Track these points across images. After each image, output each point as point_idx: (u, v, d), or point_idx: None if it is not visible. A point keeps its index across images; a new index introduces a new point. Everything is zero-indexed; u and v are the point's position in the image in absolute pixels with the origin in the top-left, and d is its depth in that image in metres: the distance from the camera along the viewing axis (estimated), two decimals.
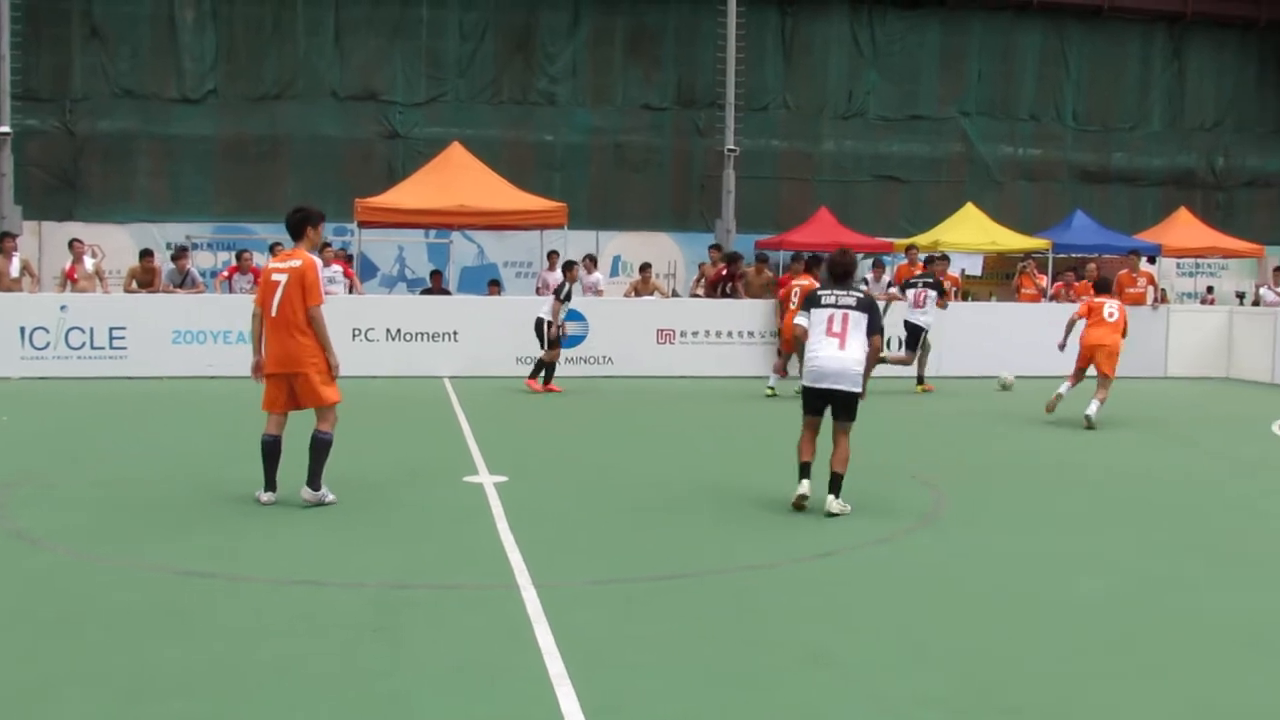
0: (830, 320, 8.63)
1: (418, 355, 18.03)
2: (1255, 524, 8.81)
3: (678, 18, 30.29)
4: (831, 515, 8.40)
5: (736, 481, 9.93)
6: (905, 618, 6.14)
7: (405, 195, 21.38)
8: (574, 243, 25.03)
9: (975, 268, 28.84)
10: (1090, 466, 11.16)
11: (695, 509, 8.83)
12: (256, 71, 28.05)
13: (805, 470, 8.66)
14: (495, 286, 22.23)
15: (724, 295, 19.71)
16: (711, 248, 21.02)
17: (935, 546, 7.75)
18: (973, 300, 23.83)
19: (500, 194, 21.57)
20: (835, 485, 8.54)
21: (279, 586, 6.53)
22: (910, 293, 17.51)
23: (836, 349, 8.59)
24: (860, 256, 23.16)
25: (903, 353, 17.43)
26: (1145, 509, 9.24)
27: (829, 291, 8.82)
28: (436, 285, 21.46)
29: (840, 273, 8.99)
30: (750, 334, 18.95)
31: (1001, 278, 26.98)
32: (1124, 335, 13.92)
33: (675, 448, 12.00)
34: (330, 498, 8.54)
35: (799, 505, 8.58)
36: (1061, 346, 14.52)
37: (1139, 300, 19.81)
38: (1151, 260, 26.99)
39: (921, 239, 26.40)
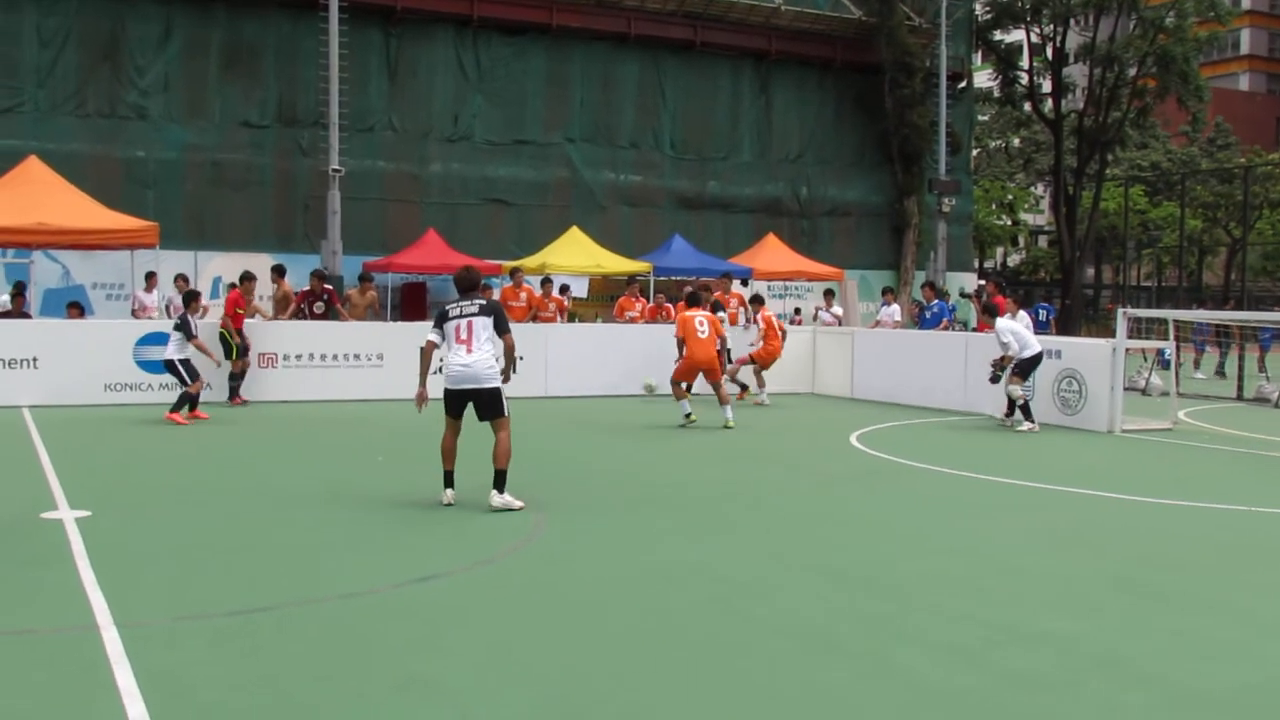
0: (458, 329, 9.48)
1: None
2: (841, 531, 9.38)
3: (278, 34, 29.44)
4: (494, 510, 9.19)
5: (343, 506, 9.64)
6: (505, 639, 6.08)
7: None
8: (169, 263, 23.84)
9: (581, 290, 29.54)
10: (687, 482, 11.57)
11: (294, 537, 8.49)
12: None
13: (448, 479, 9.64)
14: (76, 309, 20.63)
15: (311, 316, 19.21)
16: (314, 273, 20.44)
17: (537, 565, 7.77)
18: (579, 322, 24.36)
19: (84, 211, 20.10)
20: (499, 481, 9.40)
21: None
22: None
23: (465, 354, 9.45)
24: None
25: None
26: (731, 520, 9.65)
27: (455, 304, 9.65)
28: (17, 308, 19.76)
29: (465, 286, 9.81)
30: (355, 356, 18.48)
31: (606, 299, 27.75)
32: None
33: (276, 474, 11.53)
34: None
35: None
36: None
37: (731, 320, 20.85)
38: (744, 282, 28.52)
39: (529, 261, 26.81)
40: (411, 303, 29.23)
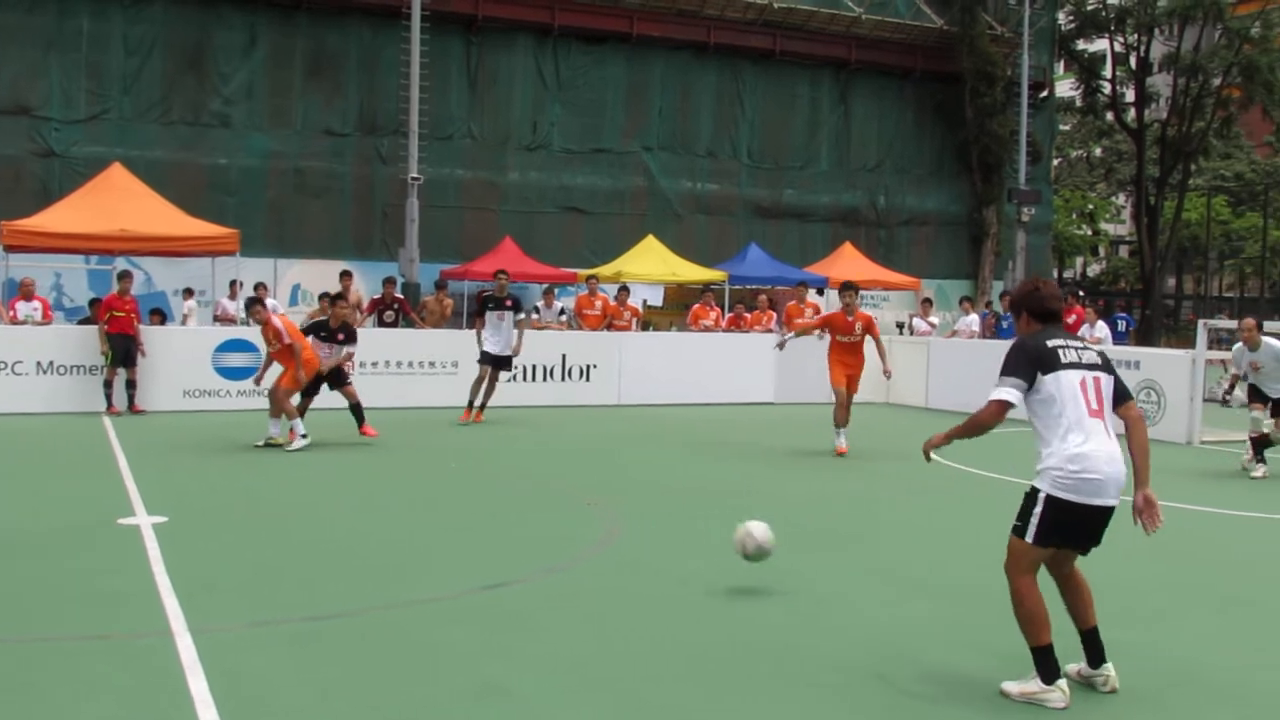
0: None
1: (71, 390, 16.64)
2: (911, 539, 9.26)
3: (359, 43, 29.81)
4: None
5: (404, 515, 9.70)
6: (578, 647, 6.08)
7: (59, 218, 19.83)
8: (250, 270, 24.17)
9: (656, 298, 29.54)
10: (766, 493, 11.48)
11: (368, 544, 8.56)
12: None
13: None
14: (159, 315, 21.00)
15: (382, 324, 19.40)
16: (386, 280, 20.63)
17: (610, 572, 7.76)
18: (654, 330, 24.33)
19: (165, 218, 20.38)
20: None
21: None
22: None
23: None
24: (547, 286, 23.29)
25: None
26: (808, 531, 9.56)
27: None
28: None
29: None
30: (431, 364, 18.57)
31: (681, 308, 27.71)
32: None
33: (350, 481, 11.63)
34: None
35: None
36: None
37: (807, 330, 20.67)
38: (820, 292, 28.34)
39: (604, 269, 26.85)
40: None
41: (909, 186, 37.47)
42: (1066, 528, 5.28)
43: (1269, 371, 13.31)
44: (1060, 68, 50.40)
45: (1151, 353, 18.34)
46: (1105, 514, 5.28)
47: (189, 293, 24.58)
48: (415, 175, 26.31)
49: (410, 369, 18.36)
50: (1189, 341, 16.79)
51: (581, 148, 32.38)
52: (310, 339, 13.97)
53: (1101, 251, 68.86)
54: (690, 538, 8.98)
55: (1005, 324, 21.94)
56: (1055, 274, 50.54)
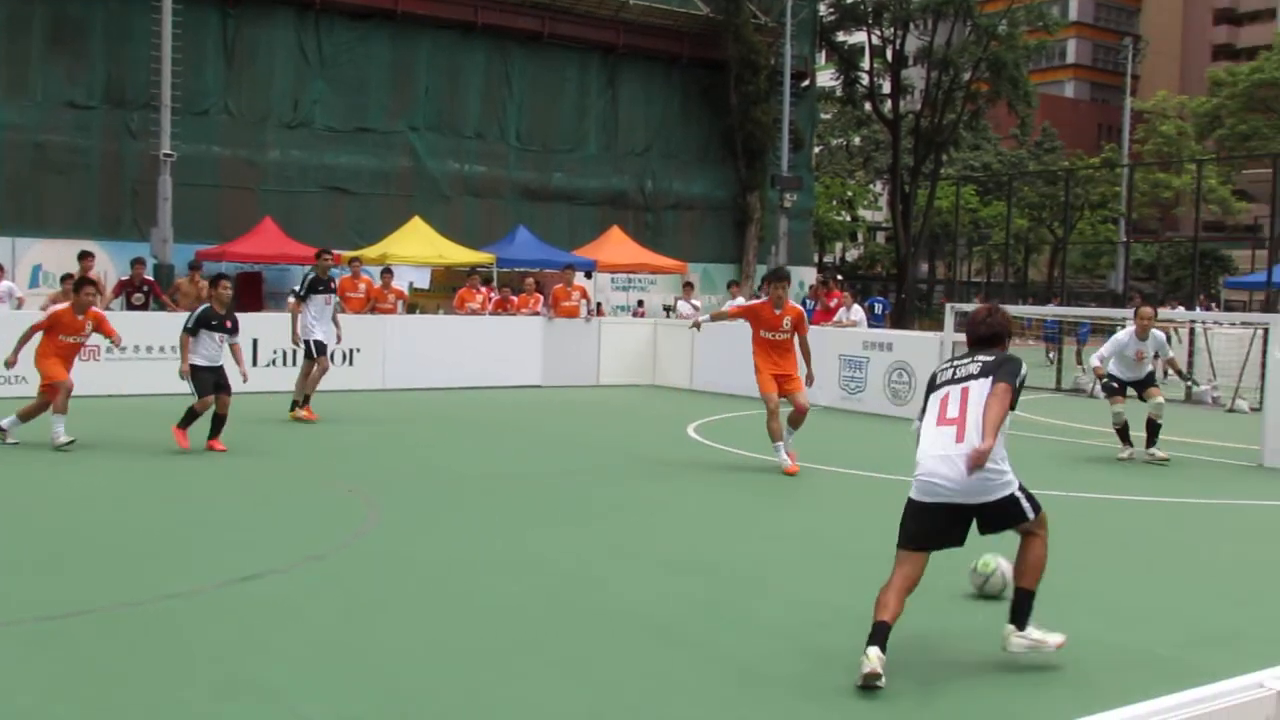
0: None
1: None
2: (673, 520, 9.39)
3: (106, 10, 28.29)
4: None
5: (158, 508, 9.31)
6: (335, 636, 5.94)
7: None
8: None
9: (423, 281, 29.15)
10: (521, 474, 11.47)
11: (108, 538, 8.16)
12: None
13: None
14: None
15: (130, 307, 18.62)
16: (135, 261, 19.70)
17: (369, 560, 7.61)
18: (420, 313, 23.99)
19: None
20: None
21: None
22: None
23: None
24: (308, 270, 22.65)
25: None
26: (568, 510, 9.60)
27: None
28: None
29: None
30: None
31: (449, 291, 27.45)
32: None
33: (94, 474, 11.07)
34: None
35: None
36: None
37: (573, 313, 20.77)
38: (588, 275, 28.53)
39: (369, 252, 26.35)
40: (247, 293, 28.42)
41: (676, 171, 37.99)
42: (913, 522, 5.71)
43: (1144, 360, 13.56)
44: (822, 58, 51.99)
45: (904, 335, 19.12)
46: (944, 511, 5.61)
47: None
48: (168, 152, 25.14)
49: (162, 354, 17.54)
50: (940, 324, 17.56)
51: (345, 127, 31.60)
52: (203, 333, 12.28)
53: (860, 237, 71.49)
54: (451, 523, 8.90)
55: None
56: (816, 258, 52.10)
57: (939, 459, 5.57)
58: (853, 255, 72.67)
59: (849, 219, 65.81)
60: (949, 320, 17.09)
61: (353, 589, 6.87)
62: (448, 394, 18.62)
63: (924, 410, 5.85)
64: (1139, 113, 62.89)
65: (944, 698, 5.28)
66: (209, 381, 12.11)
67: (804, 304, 18.89)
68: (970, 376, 5.75)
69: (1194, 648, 6.13)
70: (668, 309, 29.86)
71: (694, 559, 7.83)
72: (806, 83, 41.35)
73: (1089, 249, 58.55)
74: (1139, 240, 60.35)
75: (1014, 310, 21.16)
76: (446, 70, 33.20)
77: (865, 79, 50.27)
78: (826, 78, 53.32)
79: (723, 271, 37.14)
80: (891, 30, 48.37)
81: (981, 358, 5.84)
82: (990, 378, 5.68)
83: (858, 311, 21.09)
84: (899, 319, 40.41)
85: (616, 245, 31.06)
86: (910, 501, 5.67)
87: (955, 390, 5.74)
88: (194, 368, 12.10)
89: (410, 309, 23.65)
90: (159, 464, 11.40)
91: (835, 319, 20.42)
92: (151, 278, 20.59)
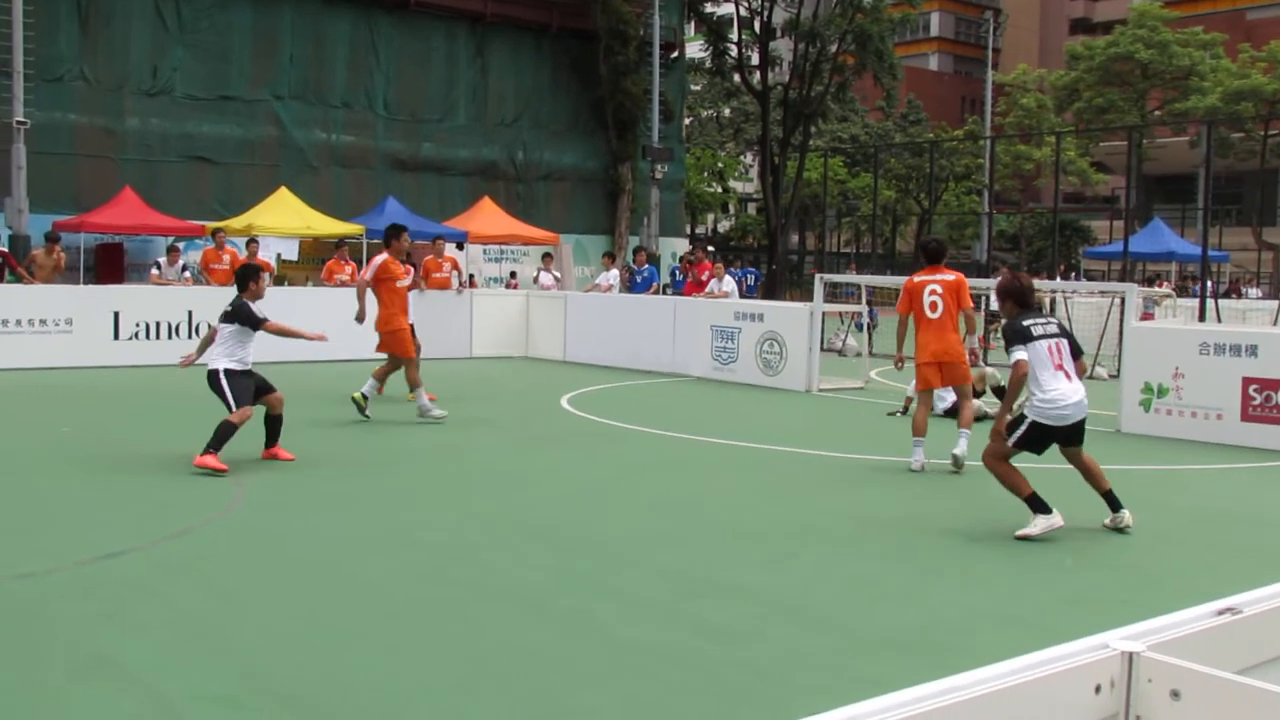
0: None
1: None
2: (546, 492, 9.46)
3: None
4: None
5: (24, 480, 9.08)
6: (196, 612, 5.89)
7: None
8: None
9: (291, 252, 28.67)
10: (390, 449, 11.44)
11: None
12: None
13: None
14: None
15: None
16: None
17: (234, 536, 7.54)
18: (288, 285, 23.61)
19: None
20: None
21: None
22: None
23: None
24: (172, 240, 22.19)
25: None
26: (440, 485, 9.62)
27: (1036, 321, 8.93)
28: None
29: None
30: (42, 321, 17.35)
31: (318, 263, 27.05)
32: None
33: None
34: None
35: None
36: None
37: (444, 285, 20.64)
38: (460, 246, 28.33)
39: (234, 222, 25.84)
40: (106, 264, 27.68)
41: (547, 142, 37.89)
42: (1039, 441, 7.85)
43: None
44: (691, 29, 52.17)
45: (774, 305, 19.36)
46: (1072, 428, 7.81)
47: None
48: (21, 119, 24.31)
49: (19, 327, 17.08)
50: (810, 295, 17.85)
51: (207, 95, 30.86)
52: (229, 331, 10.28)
53: (731, 208, 72.06)
54: (320, 500, 8.85)
55: (639, 278, 22.61)
56: (688, 229, 52.46)
57: (1076, 402, 7.70)
58: (724, 226, 73.24)
59: (720, 190, 66.31)
60: (819, 290, 17.38)
61: (216, 567, 6.80)
62: (317, 367, 18.39)
63: (1025, 345, 7.73)
64: (1000, 85, 64.36)
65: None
66: (247, 388, 10.17)
67: (673, 275, 19.08)
68: (1056, 335, 7.88)
69: (1050, 610, 6.38)
70: (513, 275, 29.85)
71: (568, 531, 7.91)
72: (676, 54, 41.54)
73: (954, 220, 59.90)
74: (1002, 211, 61.96)
75: (879, 282, 21.67)
76: (311, 37, 32.61)
77: (734, 50, 50.58)
78: (696, 49, 53.55)
79: (596, 243, 37.19)
80: (759, 1, 48.72)
81: (1047, 320, 8.03)
82: (1067, 338, 7.96)
83: (730, 282, 21.30)
84: (770, 290, 40.89)
85: (488, 216, 30.87)
86: (1040, 425, 7.69)
87: (1054, 344, 7.80)
88: (229, 373, 10.07)
89: (278, 281, 23.26)
90: (11, 440, 11.10)
91: (707, 290, 20.63)
92: (6, 249, 19.95)
